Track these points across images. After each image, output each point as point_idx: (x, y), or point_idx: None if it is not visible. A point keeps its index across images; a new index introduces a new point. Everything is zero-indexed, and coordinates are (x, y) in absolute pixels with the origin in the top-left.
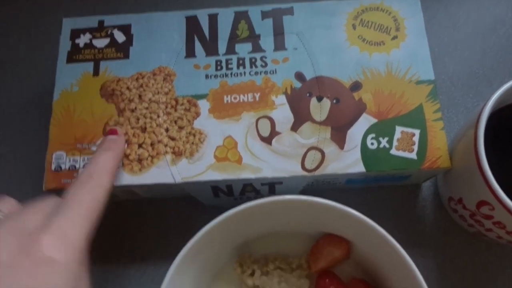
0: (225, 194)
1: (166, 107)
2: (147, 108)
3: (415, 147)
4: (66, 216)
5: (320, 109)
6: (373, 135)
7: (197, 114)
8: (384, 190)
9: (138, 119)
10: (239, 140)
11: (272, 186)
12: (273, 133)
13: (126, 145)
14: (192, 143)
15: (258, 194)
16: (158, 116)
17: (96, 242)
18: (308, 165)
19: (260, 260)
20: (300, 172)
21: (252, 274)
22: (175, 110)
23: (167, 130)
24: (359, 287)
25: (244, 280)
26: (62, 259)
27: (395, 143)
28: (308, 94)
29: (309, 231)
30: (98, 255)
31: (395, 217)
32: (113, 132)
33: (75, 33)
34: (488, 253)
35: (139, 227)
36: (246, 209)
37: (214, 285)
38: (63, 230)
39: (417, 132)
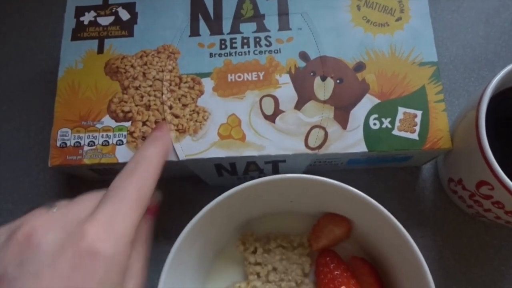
0: (229, 173)
1: (170, 84)
2: (151, 86)
3: (417, 128)
4: (113, 207)
5: (324, 88)
6: (375, 115)
7: (201, 92)
8: (385, 172)
9: (142, 96)
10: (243, 118)
11: (276, 165)
12: (277, 111)
13: (171, 144)
14: (196, 120)
15: (261, 173)
16: (162, 94)
17: None
18: (312, 143)
19: (262, 238)
20: (303, 149)
21: (255, 251)
22: (179, 88)
23: (170, 107)
24: (359, 265)
25: (247, 257)
26: (108, 251)
27: (397, 123)
28: (312, 74)
29: (311, 210)
30: None
31: (396, 198)
32: (160, 128)
33: (80, 11)
34: (486, 234)
35: None
36: (249, 187)
37: (217, 262)
38: (109, 221)
39: (419, 113)
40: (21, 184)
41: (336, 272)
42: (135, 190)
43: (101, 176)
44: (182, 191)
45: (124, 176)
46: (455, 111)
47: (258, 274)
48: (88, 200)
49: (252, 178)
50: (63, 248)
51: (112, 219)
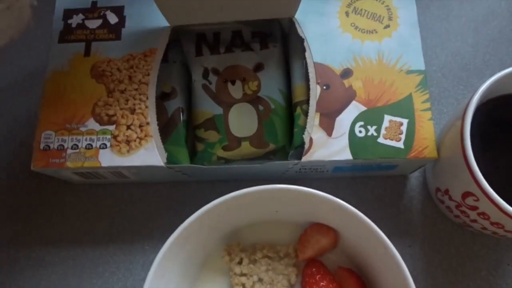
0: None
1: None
2: (136, 90)
3: (403, 137)
4: None
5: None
6: (361, 123)
7: None
8: (373, 180)
9: (127, 100)
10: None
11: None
12: None
13: None
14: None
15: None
16: (147, 98)
17: (85, 226)
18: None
19: (248, 249)
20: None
21: (240, 262)
22: None
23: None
24: (345, 276)
25: (232, 268)
26: None
27: (383, 131)
28: None
29: (297, 220)
30: (88, 239)
31: (383, 207)
32: None
33: (68, 13)
34: (473, 243)
35: (127, 212)
36: (235, 197)
37: (202, 273)
38: None
39: (405, 121)
40: (3, 187)
41: (322, 284)
42: None
43: (87, 180)
44: (167, 196)
45: None
46: (443, 119)
47: (243, 286)
48: None
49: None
50: None
51: None
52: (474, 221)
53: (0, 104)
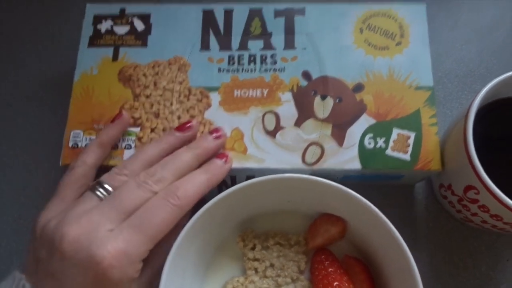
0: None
1: (180, 95)
2: (161, 95)
3: (410, 149)
4: (131, 236)
5: (323, 107)
6: (371, 135)
7: (208, 105)
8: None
9: (152, 105)
10: (246, 132)
11: None
12: (278, 127)
13: (226, 175)
14: (202, 132)
15: None
16: (171, 104)
17: None
18: (308, 159)
19: (261, 236)
20: (300, 165)
21: (253, 248)
22: (188, 100)
23: (179, 117)
24: (352, 264)
25: (246, 253)
26: (115, 276)
27: (391, 143)
28: (313, 93)
29: (308, 210)
30: None
31: (389, 203)
32: (223, 156)
33: (98, 19)
34: (475, 239)
35: None
36: (248, 186)
37: (217, 258)
38: (124, 250)
39: (412, 135)
40: (33, 179)
41: (330, 269)
42: (161, 220)
43: None
44: None
45: (160, 199)
46: (448, 122)
47: (256, 270)
48: (116, 212)
49: None
50: (85, 269)
51: (128, 249)
52: (475, 214)
53: (32, 102)
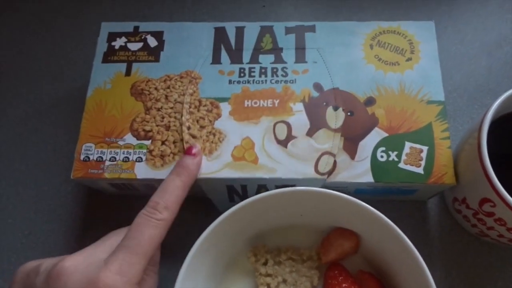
0: (240, 198)
1: (190, 107)
2: (172, 108)
3: (423, 163)
4: (124, 257)
5: (335, 118)
6: (383, 148)
7: (218, 115)
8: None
9: (163, 117)
10: (257, 142)
11: None
12: (289, 137)
13: (200, 169)
14: (212, 142)
15: None
16: (182, 116)
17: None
18: (322, 169)
19: (273, 251)
20: (313, 174)
21: (266, 263)
22: (198, 110)
23: (189, 128)
24: (366, 279)
25: (258, 268)
26: None
27: (403, 157)
28: (324, 103)
29: (321, 225)
30: None
31: (402, 218)
32: (189, 151)
33: (112, 36)
34: (490, 254)
35: None
36: (261, 199)
37: (228, 273)
38: (119, 270)
39: (425, 148)
40: (44, 194)
41: (344, 285)
42: (149, 236)
43: (120, 191)
44: (194, 211)
45: (143, 217)
46: (459, 136)
47: (268, 286)
48: (109, 241)
49: None
50: None
51: (122, 268)
52: (491, 228)
53: (44, 117)
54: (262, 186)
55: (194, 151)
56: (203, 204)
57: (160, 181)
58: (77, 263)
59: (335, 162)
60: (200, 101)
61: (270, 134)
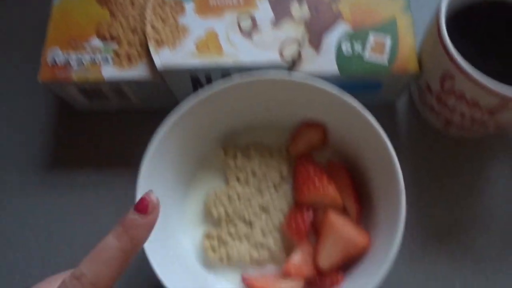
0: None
1: (154, 8)
2: (138, 14)
3: (387, 53)
4: None
5: (300, 11)
6: (347, 41)
7: (183, 13)
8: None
9: (128, 21)
10: (221, 33)
11: None
12: (254, 28)
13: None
14: (176, 37)
15: None
16: (146, 18)
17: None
18: (287, 55)
19: (243, 147)
20: (278, 60)
21: (235, 157)
22: (162, 10)
23: (153, 26)
24: (335, 168)
25: (227, 162)
26: None
27: (368, 49)
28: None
29: (289, 122)
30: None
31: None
32: (141, 204)
33: None
34: (456, 148)
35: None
36: (227, 88)
37: (199, 171)
38: None
39: (389, 39)
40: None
41: (312, 172)
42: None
43: (90, 102)
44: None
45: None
46: (422, 29)
47: (238, 178)
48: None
49: None
50: None
51: None
52: (454, 110)
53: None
54: (226, 75)
55: (147, 203)
56: None
57: (127, 83)
58: None
59: (300, 53)
60: (164, 1)
61: (235, 26)
